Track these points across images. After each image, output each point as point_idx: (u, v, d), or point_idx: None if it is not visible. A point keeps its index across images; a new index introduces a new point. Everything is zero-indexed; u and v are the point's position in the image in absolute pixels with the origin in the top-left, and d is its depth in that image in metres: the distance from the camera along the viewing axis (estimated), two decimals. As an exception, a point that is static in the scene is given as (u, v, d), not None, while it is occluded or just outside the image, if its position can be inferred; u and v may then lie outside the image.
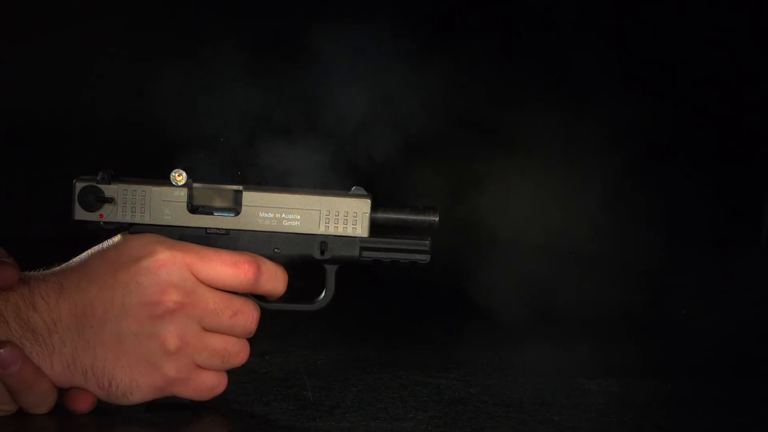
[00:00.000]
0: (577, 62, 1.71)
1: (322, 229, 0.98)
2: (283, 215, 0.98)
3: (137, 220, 0.96)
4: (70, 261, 0.95)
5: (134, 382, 0.94)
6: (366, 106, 1.44)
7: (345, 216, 0.99)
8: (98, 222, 0.96)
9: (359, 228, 0.99)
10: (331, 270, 1.00)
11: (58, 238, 1.00)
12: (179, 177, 0.96)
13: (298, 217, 0.98)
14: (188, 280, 0.94)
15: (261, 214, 0.98)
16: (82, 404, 0.94)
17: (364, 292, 1.56)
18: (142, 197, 0.97)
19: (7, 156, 1.68)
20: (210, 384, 0.97)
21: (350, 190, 1.00)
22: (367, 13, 1.53)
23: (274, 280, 0.97)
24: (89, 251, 0.95)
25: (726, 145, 1.77)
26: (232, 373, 1.09)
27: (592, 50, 1.68)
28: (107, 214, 0.96)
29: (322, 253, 0.99)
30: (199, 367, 0.96)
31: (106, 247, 0.95)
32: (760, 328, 1.47)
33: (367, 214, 0.99)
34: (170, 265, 0.93)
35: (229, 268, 0.95)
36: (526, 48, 1.69)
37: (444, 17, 1.64)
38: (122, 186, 0.96)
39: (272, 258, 0.98)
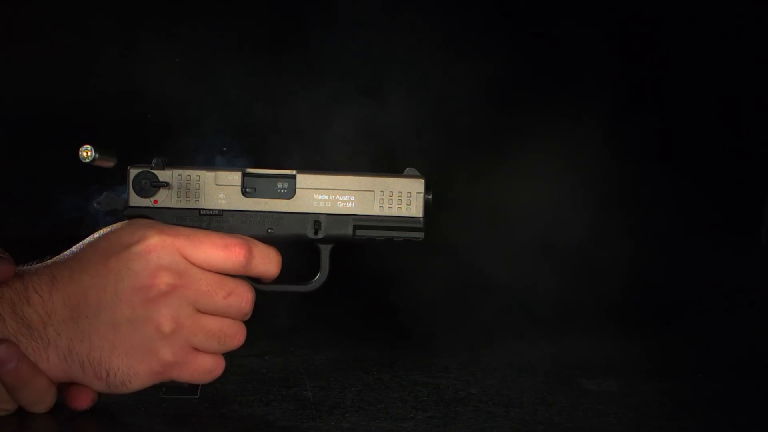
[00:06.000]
0: (576, 63, 1.71)
1: (376, 210, 0.99)
2: (338, 197, 0.98)
3: (191, 205, 0.97)
4: (62, 253, 0.96)
5: (132, 369, 0.94)
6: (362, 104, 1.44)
7: (399, 196, 0.99)
8: (152, 208, 0.97)
9: (413, 208, 0.99)
10: (325, 250, 1.00)
11: (58, 237, 0.99)
12: (87, 153, 0.95)
13: (353, 198, 0.99)
14: (180, 262, 0.94)
15: (315, 197, 0.98)
16: (82, 402, 0.94)
17: (365, 291, 1.56)
18: (197, 182, 0.97)
19: (7, 156, 1.68)
20: (208, 367, 0.96)
21: (403, 171, 1.00)
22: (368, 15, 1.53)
23: (267, 261, 0.97)
24: (81, 243, 0.96)
25: (726, 145, 1.77)
26: (232, 374, 1.09)
27: (591, 50, 1.68)
28: (162, 199, 0.97)
29: (316, 232, 0.99)
30: (196, 350, 0.96)
31: (97, 237, 0.95)
32: (760, 329, 1.47)
33: (422, 194, 0.99)
34: (161, 249, 0.93)
35: (220, 250, 0.95)
36: (524, 48, 1.69)
37: (446, 17, 1.64)
38: (176, 171, 0.97)
39: (266, 239, 0.98)
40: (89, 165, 0.95)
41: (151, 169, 0.97)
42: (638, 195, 1.74)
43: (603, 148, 1.63)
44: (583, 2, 1.72)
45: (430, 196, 0.99)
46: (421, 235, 1.00)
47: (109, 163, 0.96)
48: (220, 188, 0.98)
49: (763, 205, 1.82)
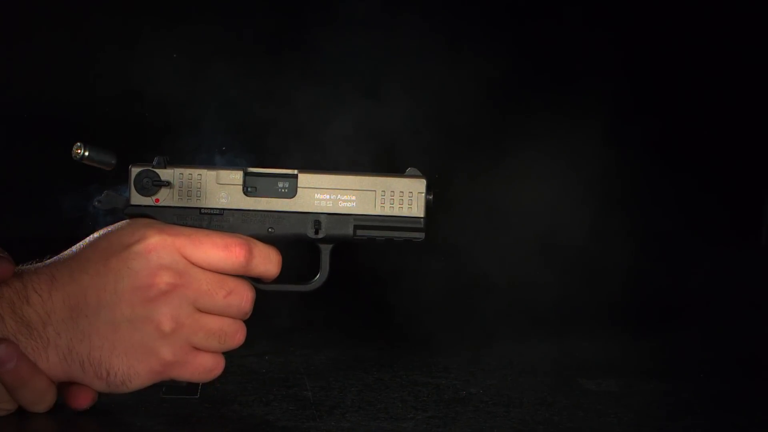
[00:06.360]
0: (577, 63, 1.71)
1: (378, 210, 0.99)
2: (339, 197, 0.98)
3: (193, 204, 0.97)
4: (62, 253, 0.95)
5: (132, 369, 0.94)
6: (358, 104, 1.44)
7: (401, 196, 0.99)
8: (153, 206, 0.97)
9: (415, 208, 0.99)
10: (325, 249, 1.00)
11: (58, 237, 0.99)
12: (77, 151, 0.95)
13: (354, 198, 0.99)
14: (180, 262, 0.94)
15: (317, 196, 0.98)
16: (83, 401, 0.94)
17: (365, 291, 1.56)
18: (198, 181, 0.97)
19: (7, 155, 1.67)
20: (208, 366, 0.96)
21: (405, 171, 1.00)
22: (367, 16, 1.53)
23: (267, 262, 0.97)
24: (80, 242, 0.96)
25: (726, 145, 1.77)
26: (232, 374, 1.08)
27: (592, 50, 1.68)
28: (163, 198, 0.97)
29: (316, 232, 0.99)
30: (196, 349, 0.96)
31: (97, 237, 0.95)
32: (760, 328, 1.47)
33: (423, 194, 0.99)
34: (161, 249, 0.93)
35: (220, 251, 0.95)
36: (524, 48, 1.69)
37: (446, 16, 1.64)
38: (178, 170, 0.97)
39: (267, 238, 0.98)
40: (82, 163, 0.95)
41: (153, 167, 0.97)
42: (639, 195, 1.74)
43: (604, 147, 1.63)
44: (584, 1, 1.72)
45: (431, 197, 0.99)
46: (422, 235, 1.00)
47: (107, 167, 0.96)
48: (222, 187, 0.98)
49: (764, 205, 1.82)
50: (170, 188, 0.97)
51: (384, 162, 1.20)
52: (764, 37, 1.75)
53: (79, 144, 0.95)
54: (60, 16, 1.67)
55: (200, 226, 0.97)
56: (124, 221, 0.97)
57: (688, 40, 1.75)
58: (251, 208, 0.98)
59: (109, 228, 0.96)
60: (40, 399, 0.93)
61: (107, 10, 1.66)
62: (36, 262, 0.95)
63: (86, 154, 0.95)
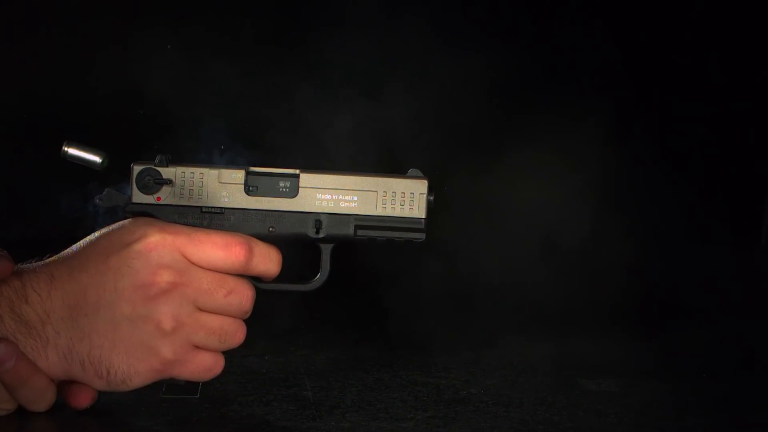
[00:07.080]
0: (578, 63, 1.71)
1: (379, 210, 0.99)
2: (341, 197, 0.99)
3: (194, 202, 0.97)
4: (62, 252, 0.96)
5: (132, 367, 0.94)
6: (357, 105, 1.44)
7: (402, 197, 0.99)
8: (154, 205, 0.97)
9: (416, 209, 0.99)
10: (326, 249, 1.00)
11: (58, 237, 0.99)
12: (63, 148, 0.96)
13: (355, 198, 0.99)
14: (180, 261, 0.94)
15: (318, 196, 0.99)
16: (83, 400, 0.94)
17: (365, 291, 1.56)
18: (200, 180, 0.97)
19: (7, 155, 1.67)
20: (208, 364, 0.96)
21: (406, 171, 1.01)
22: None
23: (267, 261, 0.97)
24: (80, 242, 0.96)
25: (726, 146, 1.77)
26: (232, 374, 1.08)
27: (593, 50, 1.68)
28: (165, 196, 0.97)
29: (317, 231, 0.99)
30: (196, 347, 0.96)
31: (97, 236, 0.95)
32: (760, 328, 1.47)
33: (425, 195, 0.99)
34: (161, 248, 0.93)
35: (220, 250, 0.95)
36: (525, 47, 1.69)
37: (448, 16, 1.64)
38: (180, 169, 0.98)
39: (267, 238, 0.98)
40: (68, 161, 0.95)
41: (155, 166, 0.97)
42: (639, 195, 1.73)
43: (604, 147, 1.63)
44: (586, 1, 1.72)
45: (432, 198, 0.99)
46: (423, 236, 1.00)
47: (94, 167, 0.96)
48: (223, 186, 0.98)
49: (764, 205, 1.82)
50: (172, 187, 0.97)
51: (385, 162, 1.20)
52: (764, 38, 1.75)
53: (65, 142, 0.95)
54: (59, 15, 1.66)
55: (201, 225, 0.97)
56: (124, 220, 0.97)
57: (689, 42, 1.75)
58: (252, 208, 0.98)
59: (109, 227, 0.96)
60: (40, 398, 0.93)
61: (107, 9, 1.66)
62: (35, 261, 0.95)
63: (66, 150, 0.95)
